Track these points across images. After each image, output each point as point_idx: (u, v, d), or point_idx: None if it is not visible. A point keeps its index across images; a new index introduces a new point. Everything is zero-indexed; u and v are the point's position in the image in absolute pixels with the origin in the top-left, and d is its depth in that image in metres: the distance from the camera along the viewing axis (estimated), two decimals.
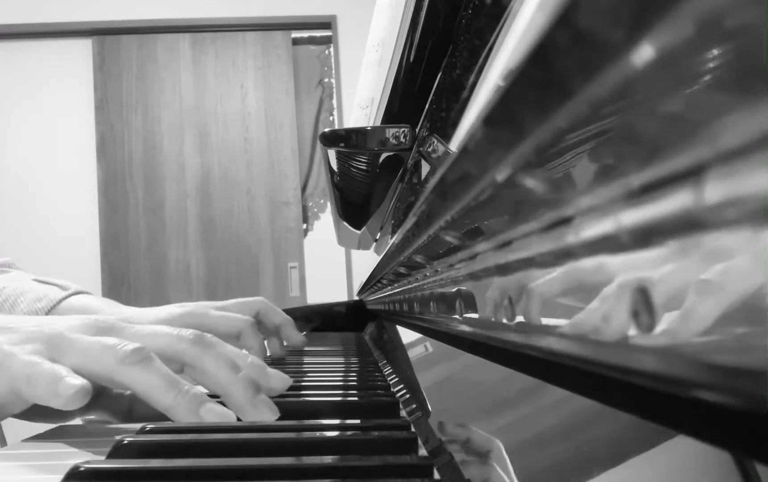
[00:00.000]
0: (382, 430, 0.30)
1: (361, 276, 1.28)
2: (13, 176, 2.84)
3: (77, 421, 0.38)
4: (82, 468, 0.23)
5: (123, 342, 0.34)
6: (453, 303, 0.29)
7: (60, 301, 0.62)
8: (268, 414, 0.36)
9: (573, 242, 0.14)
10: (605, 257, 0.12)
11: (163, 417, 0.34)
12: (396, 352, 0.65)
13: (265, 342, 0.63)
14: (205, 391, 0.36)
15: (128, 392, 0.39)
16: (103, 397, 0.39)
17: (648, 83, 0.09)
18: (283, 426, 0.32)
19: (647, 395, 0.12)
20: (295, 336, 0.66)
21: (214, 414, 0.33)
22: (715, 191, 0.08)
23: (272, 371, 0.40)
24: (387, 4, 0.50)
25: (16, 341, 0.34)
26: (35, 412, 0.36)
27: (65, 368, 0.33)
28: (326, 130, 0.47)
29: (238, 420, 0.35)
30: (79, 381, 0.32)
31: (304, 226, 2.99)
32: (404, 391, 0.44)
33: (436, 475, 0.24)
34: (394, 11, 0.46)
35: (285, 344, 0.66)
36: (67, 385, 0.32)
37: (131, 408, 0.40)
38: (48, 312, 0.60)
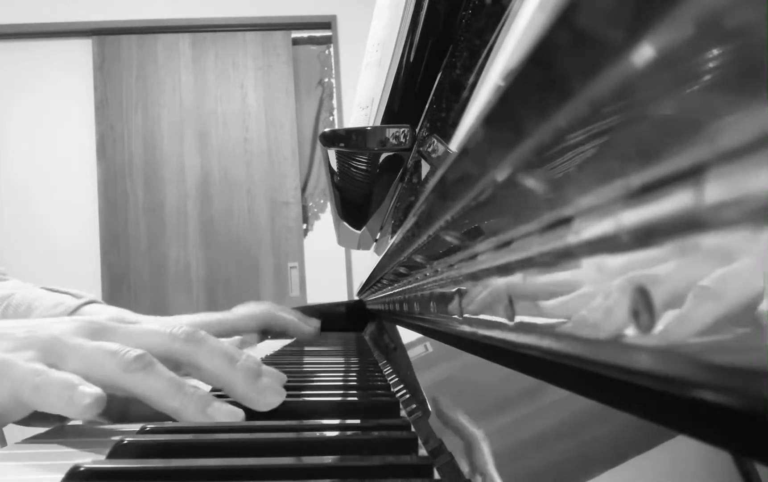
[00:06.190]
0: (382, 430, 0.30)
1: (361, 276, 1.28)
2: (13, 175, 2.84)
3: (77, 422, 0.38)
4: (82, 468, 0.23)
5: (125, 349, 0.34)
6: (453, 303, 0.29)
7: (76, 309, 0.61)
8: (274, 398, 0.35)
9: (573, 242, 0.14)
10: (605, 257, 0.12)
11: (160, 418, 0.33)
12: (396, 352, 0.65)
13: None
14: (209, 389, 0.35)
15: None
16: None
17: (648, 83, 0.09)
18: (283, 426, 0.32)
19: (647, 395, 0.12)
20: (304, 328, 0.63)
21: (222, 412, 0.33)
22: (714, 190, 0.08)
23: (267, 368, 0.39)
24: (387, 4, 0.50)
25: (9, 348, 0.33)
26: (34, 417, 0.35)
27: (75, 375, 0.32)
28: (326, 130, 0.47)
29: (247, 415, 0.34)
30: (94, 390, 0.32)
31: (304, 226, 2.99)
32: (404, 391, 0.44)
33: (436, 475, 0.24)
34: (394, 11, 0.46)
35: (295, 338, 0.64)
36: (82, 394, 0.31)
37: (126, 409, 0.40)
38: None
